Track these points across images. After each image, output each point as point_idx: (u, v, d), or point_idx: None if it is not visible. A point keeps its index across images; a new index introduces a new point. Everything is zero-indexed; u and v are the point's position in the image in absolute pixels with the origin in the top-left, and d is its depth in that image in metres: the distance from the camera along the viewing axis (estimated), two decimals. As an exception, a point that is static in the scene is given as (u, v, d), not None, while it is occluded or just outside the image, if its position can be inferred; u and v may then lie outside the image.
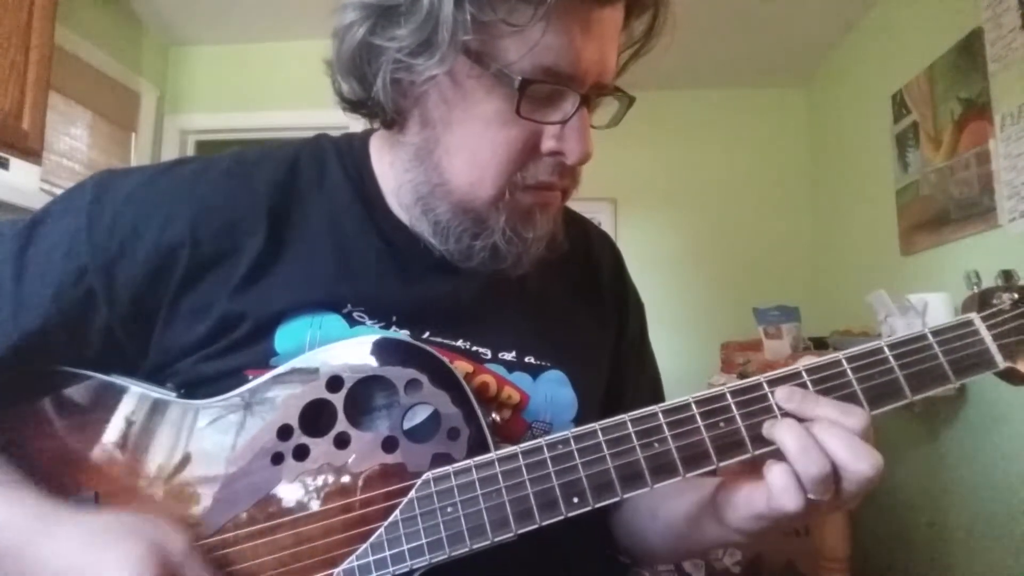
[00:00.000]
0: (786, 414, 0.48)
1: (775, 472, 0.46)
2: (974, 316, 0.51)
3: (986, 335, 0.50)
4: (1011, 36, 1.74)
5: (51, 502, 0.48)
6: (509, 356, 0.60)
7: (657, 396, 0.76)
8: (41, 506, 0.48)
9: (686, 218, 3.20)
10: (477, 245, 0.56)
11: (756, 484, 0.48)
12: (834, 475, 0.45)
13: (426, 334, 0.58)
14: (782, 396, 0.48)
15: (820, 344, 2.36)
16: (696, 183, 3.21)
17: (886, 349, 0.49)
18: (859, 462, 0.44)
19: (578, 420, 0.62)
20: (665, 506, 0.62)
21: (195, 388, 0.54)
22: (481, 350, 0.60)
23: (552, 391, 0.61)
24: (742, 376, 2.33)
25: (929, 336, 0.50)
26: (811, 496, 0.45)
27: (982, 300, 0.53)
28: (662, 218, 3.21)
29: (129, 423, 0.53)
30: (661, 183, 3.21)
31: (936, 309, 1.79)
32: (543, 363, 0.62)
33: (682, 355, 2.87)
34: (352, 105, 0.58)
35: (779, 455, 0.47)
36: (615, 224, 3.16)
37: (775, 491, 0.46)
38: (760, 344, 2.39)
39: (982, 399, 1.80)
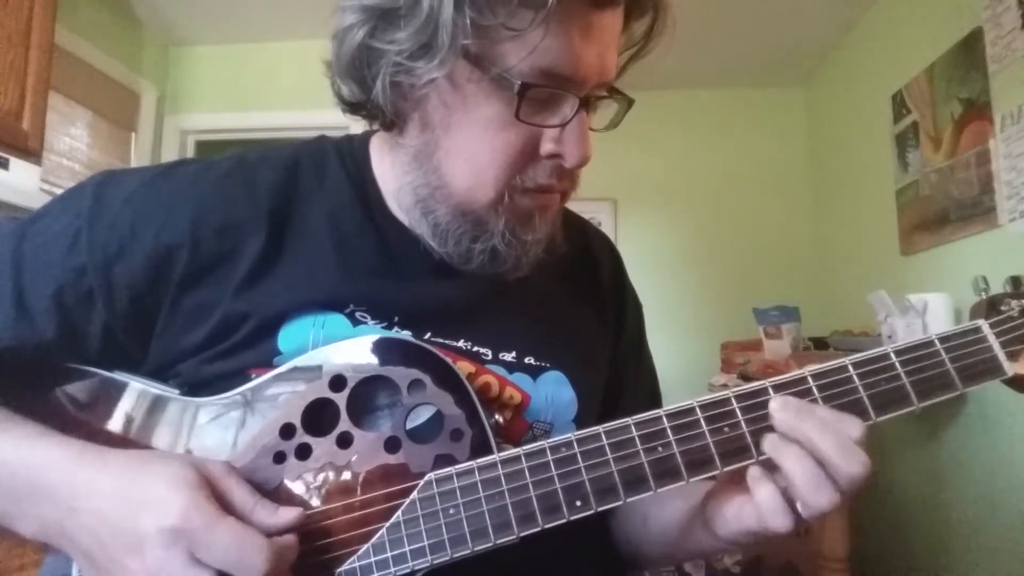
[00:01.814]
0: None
1: (764, 494, 0.47)
2: (982, 323, 0.50)
3: (994, 342, 0.50)
4: (1011, 36, 1.74)
5: (88, 442, 0.49)
6: (509, 357, 0.61)
7: (655, 397, 0.76)
8: (82, 444, 0.49)
9: (686, 218, 3.20)
10: (476, 248, 0.57)
11: (745, 499, 0.48)
12: (837, 499, 0.46)
13: (427, 334, 0.58)
14: (776, 406, 0.48)
15: (820, 344, 2.36)
16: (696, 183, 3.21)
17: (892, 355, 0.49)
18: (852, 467, 0.45)
19: (578, 420, 0.62)
20: (656, 512, 0.63)
21: (198, 388, 0.54)
22: (482, 351, 0.60)
23: (553, 391, 0.61)
24: (742, 376, 2.33)
25: (936, 343, 0.50)
26: (804, 516, 0.46)
27: (990, 306, 0.52)
28: (662, 218, 3.21)
29: (130, 419, 0.53)
30: (661, 183, 3.21)
31: (936, 309, 1.79)
32: (543, 364, 0.62)
33: (682, 355, 2.88)
34: (351, 107, 0.58)
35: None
36: (615, 224, 3.16)
37: (765, 512, 0.47)
38: (760, 344, 2.39)
39: (982, 400, 1.80)
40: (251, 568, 0.42)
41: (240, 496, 0.46)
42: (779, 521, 0.46)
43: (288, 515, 0.46)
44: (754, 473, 0.48)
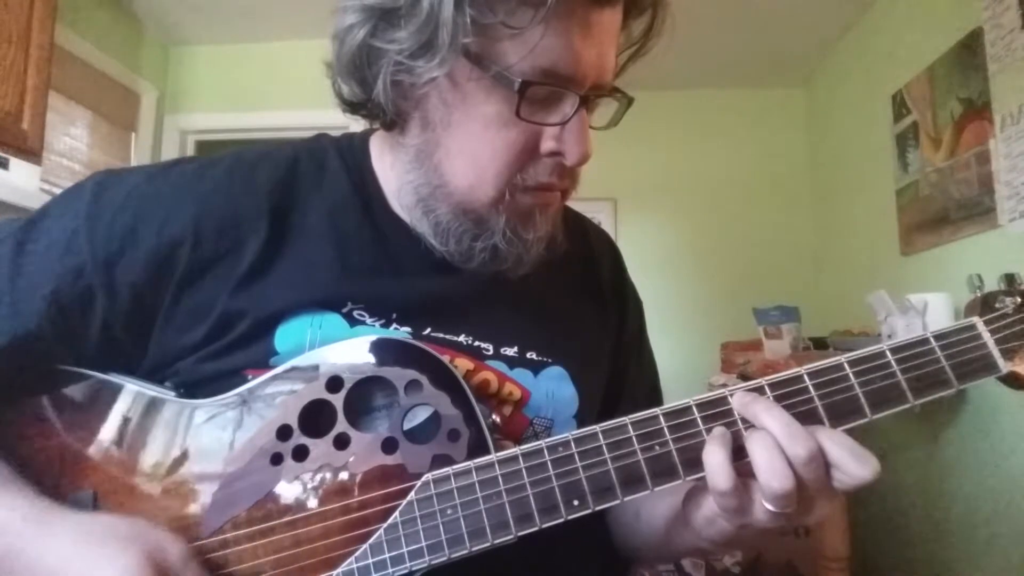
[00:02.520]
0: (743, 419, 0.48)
1: (723, 501, 0.46)
2: (976, 320, 0.50)
3: (988, 339, 0.50)
4: (1011, 36, 1.74)
5: (46, 503, 0.48)
6: (511, 351, 0.61)
7: (655, 394, 0.76)
8: (36, 508, 0.47)
9: (686, 218, 3.20)
10: (478, 246, 0.57)
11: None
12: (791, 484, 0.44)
13: (427, 330, 0.58)
14: (737, 403, 0.48)
15: (820, 344, 2.36)
16: (696, 183, 3.21)
17: (888, 353, 0.49)
18: (798, 448, 0.44)
19: (579, 416, 0.62)
20: (648, 508, 0.63)
21: (195, 388, 0.54)
22: (483, 345, 0.60)
23: (553, 387, 0.61)
24: (742, 376, 2.33)
25: (931, 340, 0.50)
26: (772, 509, 0.45)
27: (984, 304, 0.52)
28: (662, 218, 3.21)
29: (126, 420, 0.53)
30: (661, 183, 3.21)
31: (936, 309, 1.79)
32: (544, 359, 0.62)
33: (682, 355, 2.87)
34: (352, 107, 0.58)
35: None
36: (615, 224, 3.16)
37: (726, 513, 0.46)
38: (760, 344, 2.39)
39: (982, 400, 1.79)
40: None
41: None
42: (758, 515, 0.46)
43: None
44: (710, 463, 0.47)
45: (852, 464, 0.44)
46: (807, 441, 0.44)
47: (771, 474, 0.44)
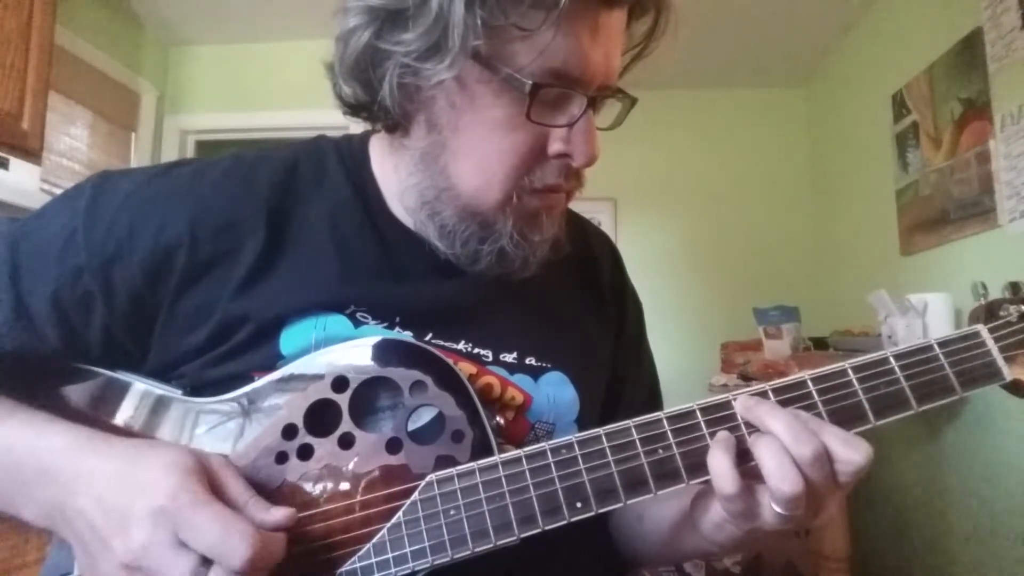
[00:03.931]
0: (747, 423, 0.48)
1: (731, 505, 0.46)
2: (981, 328, 0.50)
3: (993, 347, 0.50)
4: (1011, 36, 1.74)
5: (94, 430, 0.49)
6: (510, 358, 0.60)
7: (655, 395, 0.76)
8: (88, 431, 0.49)
9: (686, 218, 3.20)
10: (484, 249, 0.56)
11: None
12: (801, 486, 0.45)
13: (428, 336, 0.58)
14: (741, 406, 0.48)
15: (820, 344, 2.36)
16: (696, 183, 3.21)
17: (892, 360, 0.49)
18: (803, 448, 0.45)
19: (580, 420, 0.62)
20: (652, 511, 0.63)
21: (202, 390, 0.54)
22: (482, 352, 0.60)
23: (554, 392, 0.61)
24: (742, 376, 2.32)
25: (935, 347, 0.50)
26: (781, 511, 0.45)
27: (989, 311, 0.52)
28: (662, 218, 3.21)
29: (132, 419, 0.53)
30: (661, 183, 3.21)
31: (936, 309, 1.79)
32: (544, 364, 0.62)
33: (682, 355, 2.88)
34: (354, 109, 0.58)
35: None
36: (615, 224, 3.16)
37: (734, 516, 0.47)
38: (760, 344, 2.39)
39: (982, 400, 1.80)
40: (234, 554, 0.41)
41: (235, 489, 0.46)
42: (766, 518, 0.46)
43: (280, 513, 0.46)
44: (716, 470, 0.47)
45: (844, 451, 0.45)
46: (812, 440, 0.45)
47: (781, 478, 0.44)
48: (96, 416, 0.53)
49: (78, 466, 0.46)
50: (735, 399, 0.49)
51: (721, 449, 0.46)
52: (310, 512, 0.49)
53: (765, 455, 0.45)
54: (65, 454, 0.47)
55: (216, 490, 0.45)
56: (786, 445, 0.45)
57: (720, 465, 0.46)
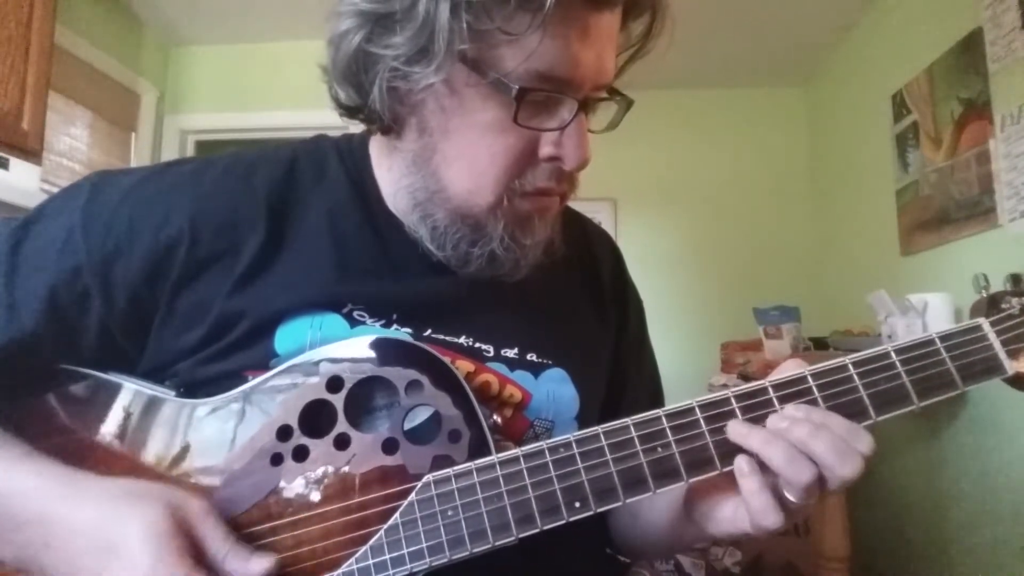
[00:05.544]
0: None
1: (755, 499, 0.46)
2: (983, 321, 0.50)
3: (994, 340, 0.49)
4: (1011, 36, 1.74)
5: (69, 469, 0.49)
6: (511, 353, 0.60)
7: (656, 394, 0.76)
8: (61, 474, 0.49)
9: (686, 218, 3.20)
10: (475, 252, 0.56)
11: (738, 502, 0.48)
12: (818, 479, 0.46)
13: (427, 331, 0.58)
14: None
15: (820, 344, 2.36)
16: (696, 183, 3.21)
17: (893, 354, 0.49)
18: (844, 465, 0.45)
19: (580, 418, 0.62)
20: (644, 508, 0.62)
21: (194, 390, 0.54)
22: (483, 347, 0.59)
23: (554, 389, 0.61)
24: (742, 376, 2.32)
25: (936, 341, 0.49)
26: (794, 502, 0.46)
27: (991, 304, 0.52)
28: (662, 218, 3.21)
29: (126, 419, 0.52)
30: (661, 183, 3.21)
31: (936, 309, 1.79)
32: (545, 361, 0.62)
33: (682, 355, 2.87)
34: (349, 111, 0.58)
35: None
36: (615, 224, 3.16)
37: (756, 514, 0.47)
38: (760, 344, 2.39)
39: (983, 399, 1.79)
40: None
41: (214, 544, 0.46)
42: (770, 519, 0.46)
43: (260, 565, 0.46)
44: (742, 468, 0.47)
45: (839, 466, 0.45)
46: (809, 469, 0.45)
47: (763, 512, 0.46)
48: (86, 424, 0.53)
49: (50, 518, 0.46)
50: (734, 396, 0.49)
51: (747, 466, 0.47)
52: (306, 514, 0.49)
53: (752, 492, 0.47)
54: (36, 500, 0.47)
55: (195, 545, 0.46)
56: (783, 474, 0.46)
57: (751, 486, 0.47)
